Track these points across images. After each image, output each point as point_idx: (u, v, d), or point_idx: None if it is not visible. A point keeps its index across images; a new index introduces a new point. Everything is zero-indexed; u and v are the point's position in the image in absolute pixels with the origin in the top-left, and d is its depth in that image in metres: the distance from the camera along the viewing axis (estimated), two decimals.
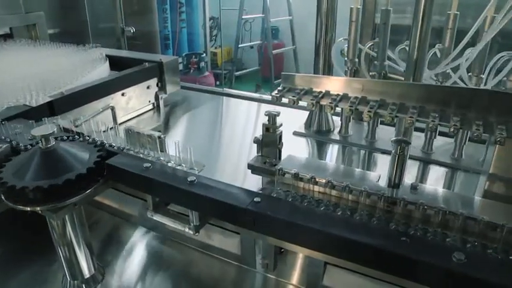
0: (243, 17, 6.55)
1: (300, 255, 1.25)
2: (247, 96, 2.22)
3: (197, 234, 1.18)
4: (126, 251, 1.52)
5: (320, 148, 1.57)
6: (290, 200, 0.96)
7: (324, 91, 1.07)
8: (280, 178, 1.02)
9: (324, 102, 1.02)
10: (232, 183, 1.05)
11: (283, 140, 1.57)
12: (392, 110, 0.94)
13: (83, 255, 1.18)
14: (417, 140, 1.52)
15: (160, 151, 1.15)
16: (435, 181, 1.38)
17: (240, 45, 6.70)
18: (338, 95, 1.04)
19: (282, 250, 1.27)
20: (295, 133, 1.64)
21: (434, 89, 0.97)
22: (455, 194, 1.01)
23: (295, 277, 1.31)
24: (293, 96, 1.04)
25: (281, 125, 1.08)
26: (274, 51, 6.37)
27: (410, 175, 1.39)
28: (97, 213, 1.66)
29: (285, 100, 1.14)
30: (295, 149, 1.56)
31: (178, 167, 1.12)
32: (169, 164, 1.13)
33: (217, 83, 6.35)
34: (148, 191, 1.19)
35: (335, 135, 1.61)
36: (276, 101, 1.06)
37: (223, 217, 1.08)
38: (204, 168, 1.12)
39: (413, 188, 0.95)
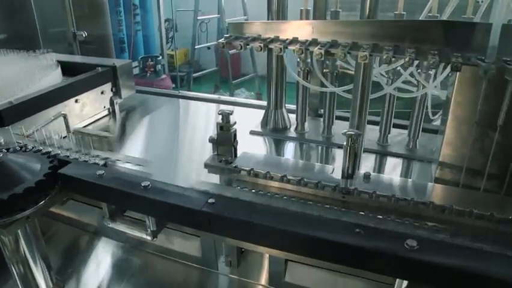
0: (199, 17, 6.52)
1: (261, 253, 1.26)
2: (204, 97, 2.21)
3: (155, 239, 1.16)
4: (87, 262, 1.49)
5: (277, 146, 1.58)
6: (246, 197, 0.96)
7: (273, 36, 1.05)
8: (236, 175, 1.02)
9: (273, 45, 1.01)
10: (192, 185, 1.05)
11: (241, 140, 1.58)
12: (344, 47, 0.95)
13: (40, 271, 1.15)
14: (373, 133, 1.55)
15: (109, 150, 1.13)
16: (392, 172, 1.42)
17: (196, 47, 6.67)
18: (287, 38, 1.03)
19: (243, 250, 1.28)
20: (252, 132, 1.64)
21: (388, 24, 0.98)
22: (407, 182, 1.04)
23: (257, 276, 1.32)
24: (241, 42, 1.03)
25: (235, 123, 1.08)
26: (231, 52, 6.37)
27: (368, 168, 1.42)
28: (54, 224, 1.62)
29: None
30: (252, 148, 1.55)
31: (133, 168, 1.10)
32: (119, 164, 1.11)
33: (173, 85, 6.29)
34: (102, 198, 1.17)
35: (292, 133, 1.62)
36: (223, 47, 1.05)
37: (179, 220, 1.07)
38: (162, 172, 1.11)
39: (366, 177, 0.97)
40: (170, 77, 6.16)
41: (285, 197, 0.96)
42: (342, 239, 0.85)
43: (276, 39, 1.04)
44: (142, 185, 1.03)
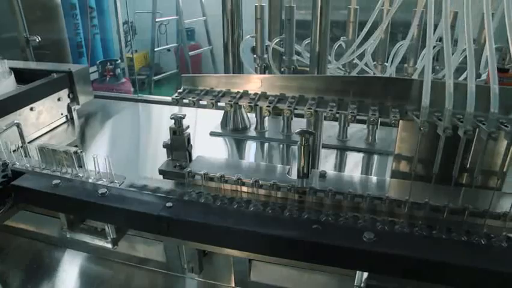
0: (157, 19, 6.42)
1: (225, 255, 1.26)
2: (165, 100, 2.19)
3: (116, 247, 1.15)
4: (50, 276, 1.45)
5: (238, 146, 1.59)
6: (202, 201, 0.96)
7: (224, 90, 1.07)
8: (191, 180, 1.02)
9: (223, 101, 1.03)
10: (149, 190, 1.04)
11: (201, 141, 1.58)
12: (291, 103, 0.97)
13: None
14: (333, 128, 1.58)
15: (79, 167, 1.11)
16: (353, 167, 1.45)
17: (156, 49, 6.57)
18: (237, 92, 1.05)
19: (206, 252, 1.28)
20: (212, 133, 1.64)
21: (332, 79, 1.00)
22: (363, 178, 1.07)
23: (223, 277, 1.33)
24: (193, 98, 1.04)
25: (188, 127, 1.08)
26: (191, 53, 6.31)
27: (328, 164, 1.44)
28: (14, 239, 1.58)
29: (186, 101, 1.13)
30: (212, 149, 1.56)
31: (98, 182, 1.08)
32: (90, 180, 1.09)
33: (133, 89, 6.19)
34: (59, 209, 1.14)
35: (252, 132, 1.64)
36: (176, 104, 1.05)
37: (138, 226, 1.07)
38: (124, 180, 1.10)
39: (322, 176, 0.99)
40: (132, 81, 6.07)
41: (241, 199, 0.96)
42: (300, 236, 0.86)
43: (227, 93, 1.07)
44: (99, 192, 1.02)
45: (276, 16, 1.72)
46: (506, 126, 0.85)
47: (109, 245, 1.14)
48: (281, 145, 1.58)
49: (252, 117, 1.68)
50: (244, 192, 0.99)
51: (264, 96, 1.01)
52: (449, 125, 0.84)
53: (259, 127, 1.64)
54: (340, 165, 1.44)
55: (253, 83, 1.03)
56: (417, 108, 0.90)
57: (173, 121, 1.08)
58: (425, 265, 0.86)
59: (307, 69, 1.49)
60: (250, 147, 1.59)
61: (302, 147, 0.94)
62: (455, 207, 0.95)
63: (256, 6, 1.49)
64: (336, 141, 1.53)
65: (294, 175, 0.99)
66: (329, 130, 1.56)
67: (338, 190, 0.93)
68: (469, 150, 1.02)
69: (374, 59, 1.45)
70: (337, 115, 0.94)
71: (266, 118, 1.67)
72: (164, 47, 6.86)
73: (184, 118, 1.07)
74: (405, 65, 1.40)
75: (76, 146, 1.16)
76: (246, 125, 1.66)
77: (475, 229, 0.93)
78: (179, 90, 1.08)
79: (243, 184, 0.97)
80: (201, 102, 1.06)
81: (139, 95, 2.35)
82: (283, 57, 1.53)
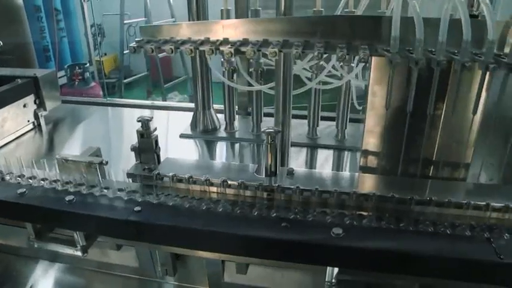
0: (125, 21, 6.36)
1: (198, 257, 1.27)
2: (135, 104, 2.17)
3: (86, 254, 1.14)
4: None
5: (208, 147, 1.59)
6: (171, 203, 0.96)
7: (185, 38, 1.04)
8: (159, 183, 1.02)
9: (184, 47, 1.00)
10: (118, 195, 1.04)
11: (171, 144, 1.57)
12: (254, 45, 0.96)
13: None
14: (303, 127, 1.60)
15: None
16: (323, 164, 1.47)
17: (125, 52, 6.49)
18: (198, 39, 1.03)
19: (179, 255, 1.28)
20: (182, 135, 1.64)
21: (297, 21, 1.00)
22: (331, 173, 1.09)
23: (197, 279, 1.33)
24: (152, 45, 1.01)
25: (155, 129, 1.08)
26: (161, 55, 6.29)
27: (299, 161, 1.46)
28: None
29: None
30: (183, 151, 1.56)
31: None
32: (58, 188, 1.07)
33: (101, 93, 6.09)
34: (25, 218, 1.13)
35: (222, 133, 1.64)
36: (133, 52, 1.04)
37: (107, 232, 1.06)
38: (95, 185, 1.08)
39: (289, 173, 1.00)
40: (102, 85, 6.00)
41: (210, 200, 0.97)
42: (268, 235, 0.87)
43: (187, 41, 1.04)
44: (66, 199, 1.01)
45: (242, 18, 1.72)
46: (479, 57, 0.87)
47: (79, 253, 1.13)
48: (252, 144, 1.59)
49: (221, 118, 1.68)
50: (213, 192, 0.99)
51: (226, 41, 1.00)
52: (422, 57, 0.86)
53: (229, 127, 1.65)
54: (311, 163, 1.46)
55: (215, 29, 1.02)
56: (388, 45, 0.91)
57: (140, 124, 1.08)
58: (393, 257, 0.89)
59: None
60: (221, 148, 1.59)
61: (269, 146, 0.96)
62: (421, 199, 0.97)
63: (222, 10, 1.49)
64: (306, 139, 1.55)
65: (262, 174, 1.00)
66: (299, 128, 1.58)
67: (305, 187, 0.95)
68: (435, 137, 1.04)
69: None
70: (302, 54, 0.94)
71: (236, 119, 1.67)
72: None
73: (151, 120, 1.07)
74: None
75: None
76: (215, 126, 1.66)
77: (441, 219, 0.96)
78: (137, 39, 1.06)
79: (212, 184, 0.97)
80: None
81: (108, 98, 2.33)
82: (251, 60, 1.54)
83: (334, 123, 1.58)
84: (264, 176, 0.99)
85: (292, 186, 0.95)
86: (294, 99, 1.58)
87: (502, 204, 0.97)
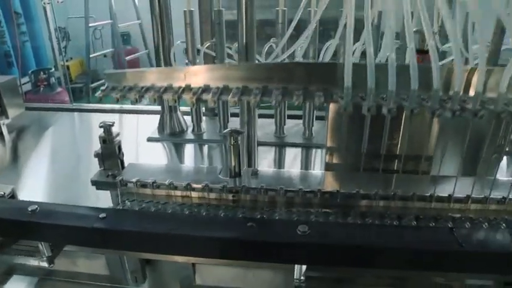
0: (91, 24, 6.26)
1: (168, 261, 1.27)
2: (103, 108, 2.15)
3: (52, 265, 1.13)
4: None
5: (177, 150, 1.60)
6: (137, 209, 0.97)
7: (149, 85, 1.05)
8: (124, 189, 1.02)
9: (148, 95, 1.02)
10: (82, 203, 1.03)
11: (139, 148, 1.57)
12: (214, 94, 0.98)
13: None
14: (270, 126, 1.62)
15: None
16: (291, 162, 1.49)
17: (92, 55, 6.39)
18: (162, 86, 1.04)
19: (149, 261, 1.28)
20: (150, 139, 1.64)
21: (255, 67, 1.02)
22: (296, 172, 1.10)
23: (168, 284, 1.33)
24: (117, 94, 1.02)
25: (118, 134, 1.08)
26: (128, 58, 6.21)
27: (267, 161, 1.48)
28: None
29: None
30: (151, 155, 1.56)
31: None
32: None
33: (68, 98, 5.98)
34: None
35: (189, 135, 1.65)
36: (99, 101, 1.05)
37: (72, 241, 1.05)
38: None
39: (254, 173, 1.02)
40: (70, 90, 5.90)
41: (175, 203, 0.98)
42: (235, 235, 0.89)
43: (151, 88, 1.05)
44: (29, 209, 1.00)
45: (207, 19, 1.73)
46: (427, 102, 0.91)
47: (45, 264, 1.12)
48: (220, 145, 1.60)
49: (188, 120, 1.69)
50: (178, 196, 1.00)
51: (188, 88, 1.01)
52: (373, 104, 0.89)
53: (196, 129, 1.65)
54: (279, 162, 1.48)
55: (177, 76, 1.03)
56: (342, 91, 0.93)
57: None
58: (359, 252, 0.91)
59: None
60: (189, 150, 1.60)
61: (232, 147, 0.97)
62: (385, 193, 1.00)
63: (185, 11, 1.50)
64: (274, 138, 1.57)
65: (227, 175, 1.02)
66: (266, 127, 1.60)
67: (270, 187, 0.96)
68: (397, 133, 1.07)
69: (305, 58, 1.50)
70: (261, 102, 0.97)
71: (203, 120, 1.68)
72: (100, 53, 6.68)
73: (113, 125, 1.07)
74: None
75: None
76: (182, 128, 1.67)
77: (406, 212, 1.00)
78: (102, 88, 1.07)
79: (176, 188, 0.98)
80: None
81: (75, 104, 2.30)
82: (215, 61, 1.55)
83: (301, 121, 1.61)
84: (228, 178, 1.01)
85: (256, 187, 0.96)
86: None
87: (464, 195, 1.01)
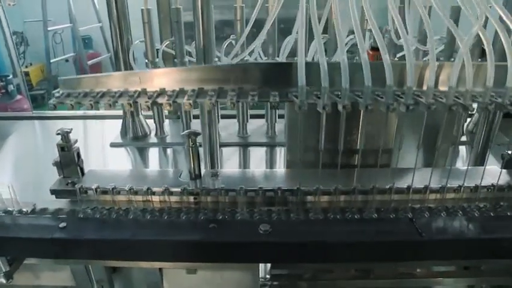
0: (49, 28, 6.11)
1: (134, 267, 1.27)
2: (66, 115, 2.11)
3: (11, 281, 1.11)
4: None
5: (141, 154, 1.59)
6: (97, 216, 0.97)
7: (105, 90, 1.05)
8: (84, 196, 1.02)
9: (103, 101, 1.01)
10: (41, 213, 1.02)
11: (102, 154, 1.56)
12: (170, 97, 0.98)
13: None
14: (233, 126, 1.64)
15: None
16: (256, 161, 1.51)
17: (52, 60, 6.24)
18: (118, 91, 1.04)
19: (116, 268, 1.28)
20: (113, 144, 1.63)
21: (211, 69, 1.04)
22: (257, 171, 1.13)
23: None
24: (71, 101, 1.01)
25: (76, 141, 1.08)
26: (90, 62, 6.11)
27: (231, 161, 1.50)
28: None
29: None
30: (114, 161, 1.55)
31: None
32: None
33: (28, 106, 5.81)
34: None
35: (153, 139, 1.65)
36: (54, 109, 1.04)
37: (32, 254, 1.04)
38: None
39: (214, 175, 1.04)
40: (29, 97, 5.76)
41: (137, 209, 0.98)
42: (197, 238, 0.90)
43: (107, 93, 1.04)
44: None
45: (165, 18, 1.73)
46: (381, 97, 0.94)
47: (3, 280, 1.10)
48: (183, 148, 1.61)
49: (151, 123, 1.69)
50: (139, 201, 1.01)
51: (144, 92, 1.02)
52: (328, 102, 0.91)
53: (160, 133, 1.65)
54: (244, 162, 1.49)
55: (133, 80, 1.03)
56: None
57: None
58: (322, 247, 0.94)
59: None
60: (153, 154, 1.60)
61: (190, 149, 0.98)
62: (346, 188, 1.03)
63: (142, 10, 1.50)
64: (237, 138, 1.59)
65: (187, 178, 1.03)
66: (229, 128, 1.61)
67: (230, 187, 0.98)
68: (355, 129, 1.11)
69: (265, 55, 1.53)
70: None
71: (166, 123, 1.69)
72: (61, 58, 6.53)
73: (70, 132, 1.06)
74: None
75: None
76: (146, 132, 1.67)
77: (367, 205, 1.03)
78: (56, 95, 1.06)
79: (136, 193, 0.99)
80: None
81: (34, 111, 2.26)
82: (175, 60, 1.55)
83: (264, 120, 1.63)
84: (189, 180, 1.02)
85: (217, 188, 0.98)
86: None
87: (422, 186, 1.05)
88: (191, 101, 0.95)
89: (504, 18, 0.95)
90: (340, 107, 0.92)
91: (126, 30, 1.56)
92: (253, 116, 1.65)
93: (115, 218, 0.96)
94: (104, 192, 1.00)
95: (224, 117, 1.72)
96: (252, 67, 1.04)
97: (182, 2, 1.48)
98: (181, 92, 1.01)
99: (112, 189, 0.99)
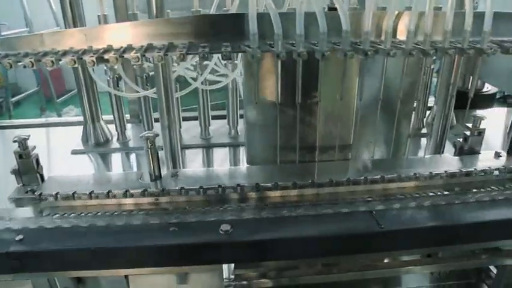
0: (4, 33, 5.95)
1: (99, 276, 1.26)
2: (26, 123, 2.07)
3: None
4: None
5: (103, 160, 1.58)
6: (57, 224, 0.95)
7: (47, 50, 1.00)
8: (44, 204, 1.01)
9: (44, 59, 0.96)
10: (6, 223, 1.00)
11: (64, 162, 1.55)
12: (117, 51, 0.96)
13: None
14: (195, 128, 1.65)
15: None
16: (220, 162, 1.52)
17: None
18: (60, 50, 0.99)
19: (81, 279, 1.26)
20: (74, 151, 1.61)
21: (160, 23, 1.02)
22: (216, 170, 1.15)
23: None
24: (9, 60, 0.95)
25: (34, 147, 1.07)
26: (50, 68, 5.97)
27: (195, 163, 1.51)
28: None
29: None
30: (77, 168, 1.54)
31: None
32: None
33: None
34: None
35: (115, 144, 1.64)
36: None
37: None
38: None
39: (174, 175, 1.05)
40: None
41: (98, 213, 0.98)
42: (158, 242, 0.91)
43: (50, 52, 1.01)
44: None
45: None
46: (338, 45, 0.96)
47: None
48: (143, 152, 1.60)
49: (113, 128, 1.68)
50: (101, 205, 1.00)
51: (89, 50, 0.99)
52: (282, 50, 0.92)
53: (122, 137, 1.65)
54: (207, 163, 1.51)
55: (78, 38, 1.01)
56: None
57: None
58: (284, 244, 0.96)
59: None
60: (116, 160, 1.59)
61: (149, 151, 0.99)
62: (303, 183, 1.06)
63: (99, 15, 1.49)
64: (200, 140, 1.60)
65: (148, 179, 1.04)
66: (192, 130, 1.63)
67: (190, 187, 0.99)
68: (312, 127, 1.13)
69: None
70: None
71: (128, 127, 1.69)
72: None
73: (28, 139, 1.05)
74: None
75: None
76: (107, 138, 1.66)
77: (325, 199, 1.05)
78: None
79: (97, 197, 0.99)
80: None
81: None
82: (133, 66, 1.55)
83: (225, 121, 1.65)
84: (149, 181, 1.03)
85: (176, 188, 0.99)
86: (184, 101, 1.63)
87: (378, 176, 1.08)
88: (139, 55, 0.93)
89: None
90: (295, 55, 0.92)
91: None
92: (215, 117, 1.67)
93: (76, 226, 0.95)
94: (65, 198, 0.99)
95: (186, 119, 1.73)
96: (204, 19, 1.03)
97: (139, 6, 1.48)
98: (129, 48, 0.99)
99: (73, 194, 0.98)
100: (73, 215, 0.99)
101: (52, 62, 0.96)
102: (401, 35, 1.02)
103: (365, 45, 0.95)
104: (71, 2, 1.47)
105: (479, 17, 0.98)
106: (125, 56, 0.95)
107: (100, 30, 1.01)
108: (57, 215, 0.99)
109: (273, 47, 0.94)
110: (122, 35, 1.01)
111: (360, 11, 0.97)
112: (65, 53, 0.99)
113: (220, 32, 1.01)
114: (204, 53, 0.93)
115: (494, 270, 1.43)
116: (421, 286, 1.55)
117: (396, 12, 0.98)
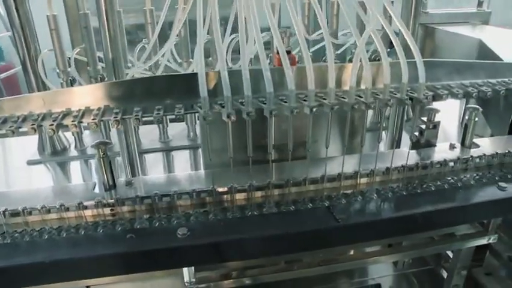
0: None
1: None
2: None
3: None
4: None
5: (62, 169, 1.57)
6: (8, 241, 0.94)
7: (7, 115, 0.97)
8: None
9: (3, 128, 0.95)
10: None
11: (18, 173, 1.53)
12: (75, 117, 0.96)
13: None
14: (154, 131, 1.65)
15: None
16: (181, 165, 1.53)
17: None
18: (20, 115, 0.97)
19: None
20: (30, 162, 1.59)
21: (112, 86, 1.01)
22: (172, 176, 1.15)
23: None
24: None
25: None
26: (2, 76, 5.81)
27: (156, 168, 1.51)
28: None
29: None
30: (32, 180, 1.52)
31: None
32: None
33: None
34: None
35: (73, 152, 1.63)
36: None
37: None
38: None
39: (128, 183, 1.05)
40: None
41: (51, 228, 0.97)
42: (115, 250, 0.91)
43: (9, 118, 0.99)
44: None
45: (75, 24, 1.70)
46: (285, 102, 0.99)
47: None
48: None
49: (70, 135, 1.66)
50: (54, 219, 1.00)
51: (48, 115, 0.98)
52: (232, 111, 0.94)
53: (79, 145, 1.64)
54: (168, 167, 1.51)
55: (36, 102, 0.99)
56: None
57: None
58: (241, 245, 0.98)
59: None
60: (75, 168, 1.58)
61: (102, 159, 0.99)
62: (260, 184, 1.07)
63: (48, 16, 1.47)
64: (159, 143, 1.60)
65: (102, 189, 1.04)
66: (150, 134, 1.63)
67: (146, 194, 1.00)
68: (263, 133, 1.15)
69: (180, 57, 1.55)
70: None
71: (86, 134, 1.67)
72: None
73: None
74: (210, 59, 1.48)
75: None
76: (65, 146, 1.64)
77: (283, 199, 1.07)
78: None
79: (49, 211, 0.98)
80: None
81: None
82: (88, 68, 1.54)
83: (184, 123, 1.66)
84: (103, 192, 1.02)
85: (131, 196, 0.99)
86: None
87: (336, 173, 1.11)
88: (97, 121, 0.94)
89: (394, 18, 1.04)
90: (244, 115, 0.95)
91: (32, 38, 1.51)
92: (172, 120, 1.67)
93: (28, 241, 0.94)
94: (15, 214, 0.98)
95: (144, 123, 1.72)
96: (157, 80, 1.06)
97: (91, 6, 1.47)
98: (87, 111, 0.99)
99: (23, 210, 0.97)
100: (25, 231, 0.97)
101: (12, 131, 0.95)
102: (345, 86, 1.07)
103: (310, 101, 0.98)
104: (16, 4, 1.43)
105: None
106: (83, 121, 0.96)
107: (55, 95, 1.01)
108: (6, 233, 0.97)
109: (223, 106, 0.96)
110: (79, 98, 1.01)
111: (304, 66, 0.98)
112: (24, 119, 0.98)
113: (173, 91, 1.03)
114: (158, 116, 0.96)
115: (451, 255, 1.50)
116: (386, 275, 1.60)
117: (337, 65, 1.02)
